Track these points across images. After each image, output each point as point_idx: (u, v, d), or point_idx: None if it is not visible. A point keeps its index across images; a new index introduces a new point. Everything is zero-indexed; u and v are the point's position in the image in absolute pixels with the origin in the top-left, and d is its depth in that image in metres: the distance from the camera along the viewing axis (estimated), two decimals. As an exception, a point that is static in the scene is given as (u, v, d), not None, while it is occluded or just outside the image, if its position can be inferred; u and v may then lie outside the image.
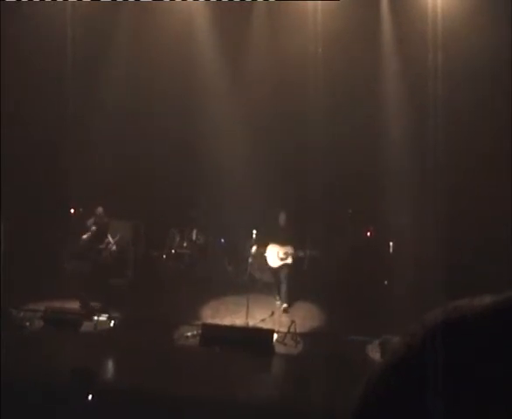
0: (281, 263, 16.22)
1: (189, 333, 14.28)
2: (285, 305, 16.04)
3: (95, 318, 14.81)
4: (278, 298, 16.37)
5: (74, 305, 15.54)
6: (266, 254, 16.24)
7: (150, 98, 18.42)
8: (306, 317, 15.63)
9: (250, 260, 16.01)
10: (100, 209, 16.59)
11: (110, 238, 16.55)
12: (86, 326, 14.69)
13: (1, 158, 16.58)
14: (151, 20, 18.29)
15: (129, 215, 17.80)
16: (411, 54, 17.33)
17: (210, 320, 15.17)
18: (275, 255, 16.24)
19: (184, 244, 18.31)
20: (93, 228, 16.42)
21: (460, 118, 16.88)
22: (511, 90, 15.69)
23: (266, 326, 15.00)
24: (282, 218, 16.44)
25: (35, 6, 17.48)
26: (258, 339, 14.26)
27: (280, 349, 13.96)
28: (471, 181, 16.64)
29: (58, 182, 17.54)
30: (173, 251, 18.16)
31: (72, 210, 18.12)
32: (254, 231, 15.66)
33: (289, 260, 16.19)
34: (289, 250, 16.15)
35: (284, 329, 14.43)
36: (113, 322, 14.87)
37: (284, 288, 16.22)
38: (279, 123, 18.10)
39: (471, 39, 16.20)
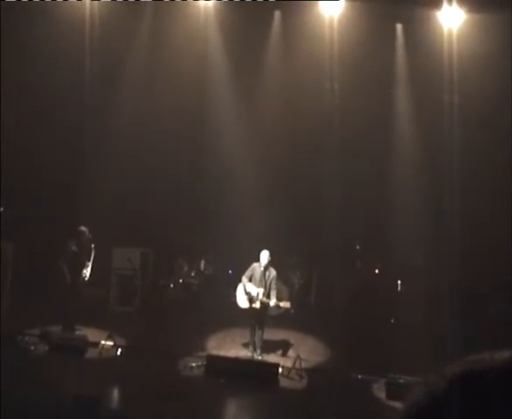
0: (248, 305, 15.00)
1: (193, 364, 14.22)
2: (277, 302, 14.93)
3: (100, 344, 14.77)
4: (250, 343, 15.25)
5: (80, 331, 15.54)
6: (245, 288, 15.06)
7: (161, 123, 18.45)
8: (311, 352, 15.54)
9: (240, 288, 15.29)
10: (81, 229, 15.91)
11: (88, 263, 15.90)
12: (91, 353, 14.64)
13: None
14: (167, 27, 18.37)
15: (139, 242, 17.81)
16: (425, 94, 17.39)
17: (215, 352, 15.10)
18: (250, 294, 14.98)
19: (192, 274, 18.30)
20: (74, 248, 15.84)
21: (474, 159, 16.91)
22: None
23: (272, 359, 14.93)
24: (265, 256, 14.93)
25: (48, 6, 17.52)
26: (263, 372, 14.19)
27: (284, 383, 13.89)
28: (485, 220, 16.62)
29: (68, 205, 17.52)
30: (181, 281, 18.13)
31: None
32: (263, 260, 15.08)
33: (257, 305, 14.85)
34: (262, 294, 14.78)
35: (289, 364, 14.35)
36: (119, 350, 14.80)
37: (258, 333, 15.12)
38: (290, 154, 18.15)
39: (485, 78, 16.25)
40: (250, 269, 14.95)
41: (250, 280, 14.89)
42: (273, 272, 14.90)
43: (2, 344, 12.95)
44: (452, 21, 17.03)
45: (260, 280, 14.81)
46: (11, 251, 16.36)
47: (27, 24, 17.18)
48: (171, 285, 18.09)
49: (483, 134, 16.54)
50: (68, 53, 17.86)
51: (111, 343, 14.85)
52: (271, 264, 14.95)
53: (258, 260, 14.95)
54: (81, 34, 18.21)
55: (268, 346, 15.32)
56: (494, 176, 16.80)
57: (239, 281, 15.11)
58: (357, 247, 18.64)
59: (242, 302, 15.06)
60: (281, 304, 14.99)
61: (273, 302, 14.72)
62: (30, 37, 17.31)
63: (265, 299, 14.75)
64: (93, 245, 15.83)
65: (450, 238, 16.66)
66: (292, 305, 15.77)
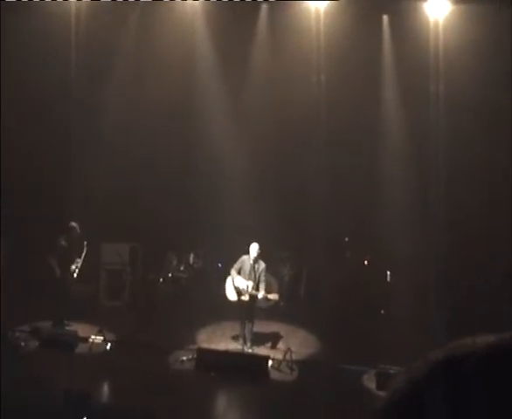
0: (237, 298, 14.99)
1: (184, 358, 14.22)
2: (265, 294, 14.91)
3: (90, 340, 14.75)
4: (240, 336, 15.27)
5: (70, 326, 15.53)
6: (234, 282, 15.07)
7: (151, 118, 18.42)
8: (301, 344, 15.55)
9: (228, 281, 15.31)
10: (72, 224, 15.92)
11: (78, 259, 15.88)
12: (82, 348, 14.62)
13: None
14: (154, 24, 18.34)
15: (128, 237, 17.78)
16: (411, 85, 17.41)
17: (205, 345, 15.10)
18: (239, 287, 14.96)
19: (181, 268, 18.28)
20: (64, 243, 15.83)
21: (461, 149, 16.94)
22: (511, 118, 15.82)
23: (262, 352, 14.94)
24: (254, 249, 14.89)
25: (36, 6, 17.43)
26: (253, 365, 14.21)
27: (274, 376, 13.91)
28: (472, 211, 16.66)
29: (57, 201, 17.48)
30: (170, 275, 18.11)
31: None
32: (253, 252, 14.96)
33: (246, 297, 14.82)
34: (251, 287, 14.76)
35: (280, 356, 14.37)
36: (109, 344, 14.79)
37: (248, 326, 15.13)
38: (279, 148, 18.13)
39: (471, 68, 16.27)
40: (239, 261, 14.93)
41: (239, 273, 14.86)
42: (262, 265, 14.89)
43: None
44: (438, 12, 17.04)
45: (249, 273, 14.79)
46: (1, 247, 16.34)
47: (14, 23, 17.13)
48: (160, 280, 18.06)
49: (470, 124, 16.56)
50: (57, 51, 17.81)
51: (101, 338, 14.84)
52: (260, 256, 14.95)
53: (247, 253, 14.96)
54: (69, 31, 18.15)
55: (259, 339, 15.32)
56: (482, 166, 16.84)
57: (229, 274, 15.10)
58: (346, 239, 18.64)
59: (231, 295, 15.06)
60: (270, 296, 15.00)
61: (261, 294, 14.73)
62: (18, 37, 17.27)
63: (254, 292, 14.75)
64: (85, 242, 15.80)
65: (437, 229, 16.70)
66: (281, 297, 15.78)
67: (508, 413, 1.09)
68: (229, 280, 15.08)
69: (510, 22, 15.74)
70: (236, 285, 14.87)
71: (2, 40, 17.06)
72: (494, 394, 1.10)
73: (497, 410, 1.09)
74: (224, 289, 15.28)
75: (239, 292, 14.90)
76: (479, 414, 1.10)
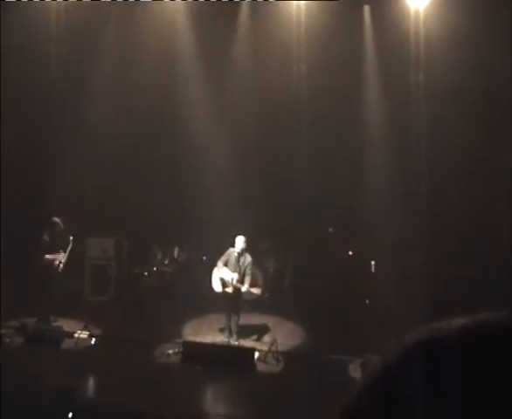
0: (221, 289, 14.99)
1: (170, 351, 14.22)
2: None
3: (76, 335, 14.72)
4: (225, 328, 15.26)
5: (55, 321, 15.50)
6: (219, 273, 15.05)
7: (134, 111, 18.41)
8: (287, 335, 15.58)
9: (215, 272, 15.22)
10: (55, 220, 15.90)
11: (62, 253, 15.75)
12: (67, 343, 14.59)
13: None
14: (137, 23, 18.32)
15: (113, 231, 17.74)
16: (393, 74, 17.46)
17: (191, 338, 15.11)
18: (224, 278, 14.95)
19: (166, 262, 18.27)
20: (46, 238, 15.81)
21: (442, 135, 17.03)
22: (493, 107, 15.93)
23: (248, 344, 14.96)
24: (240, 242, 14.92)
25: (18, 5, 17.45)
26: (239, 357, 14.23)
27: (261, 367, 13.93)
28: (455, 201, 16.76)
29: (41, 196, 17.43)
30: (155, 269, 18.10)
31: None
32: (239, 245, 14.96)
33: (230, 290, 14.85)
34: (236, 279, 14.77)
35: (266, 348, 14.39)
36: (94, 339, 14.77)
37: (234, 319, 15.16)
38: (262, 140, 18.16)
39: (452, 57, 16.34)
40: (226, 254, 14.93)
41: (226, 265, 14.87)
42: (248, 258, 14.89)
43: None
44: (418, 1, 17.09)
45: (235, 266, 14.80)
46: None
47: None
48: (145, 274, 18.05)
49: (450, 113, 16.63)
50: (38, 49, 17.83)
51: (87, 333, 14.82)
52: (246, 249, 14.95)
53: (233, 246, 14.95)
54: (51, 29, 18.15)
55: (244, 331, 15.34)
56: (462, 155, 16.90)
57: (213, 267, 15.11)
58: (330, 230, 18.68)
59: (216, 286, 15.06)
60: (253, 290, 15.01)
61: (244, 288, 14.74)
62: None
63: (238, 285, 14.76)
64: (71, 237, 15.74)
65: (419, 218, 16.77)
66: (265, 290, 15.79)
67: (482, 395, 1.09)
68: (215, 271, 15.06)
69: (490, 10, 15.82)
70: (221, 276, 14.87)
71: None
72: (468, 377, 1.11)
73: (472, 392, 1.10)
74: (209, 282, 15.27)
75: (224, 284, 14.90)
76: (453, 396, 1.10)
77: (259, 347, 14.52)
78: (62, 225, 15.82)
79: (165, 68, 18.48)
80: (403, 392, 1.13)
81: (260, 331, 15.78)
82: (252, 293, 15.17)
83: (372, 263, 17.82)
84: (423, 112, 17.20)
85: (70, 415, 10.32)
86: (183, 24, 18.79)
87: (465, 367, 1.12)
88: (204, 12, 17.88)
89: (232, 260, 14.83)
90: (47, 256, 15.66)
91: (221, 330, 15.41)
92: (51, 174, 17.86)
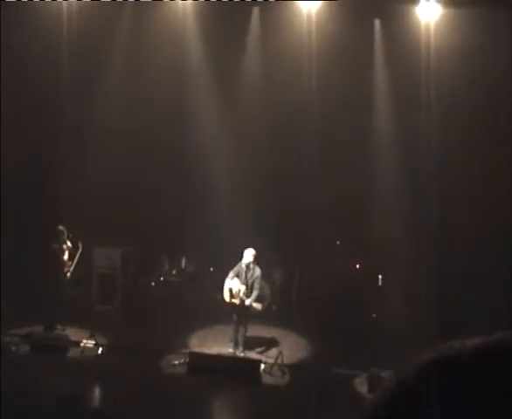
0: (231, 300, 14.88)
1: (176, 362, 14.20)
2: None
3: (82, 344, 14.73)
4: (232, 340, 15.14)
5: (61, 330, 15.50)
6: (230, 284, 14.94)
7: (143, 121, 18.42)
8: (293, 348, 15.55)
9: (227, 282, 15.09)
10: (60, 228, 15.89)
11: (70, 261, 15.84)
12: (73, 352, 14.59)
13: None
14: (148, 25, 18.37)
15: (120, 240, 17.74)
16: (403, 88, 17.48)
17: (197, 349, 15.09)
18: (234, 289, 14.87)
19: (173, 272, 18.27)
20: (54, 246, 15.78)
21: (450, 148, 17.04)
22: (503, 120, 15.93)
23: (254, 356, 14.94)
24: (248, 254, 14.85)
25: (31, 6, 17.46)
26: (245, 369, 14.22)
27: (266, 380, 13.91)
28: (463, 214, 16.72)
29: (50, 204, 17.47)
30: (162, 279, 18.10)
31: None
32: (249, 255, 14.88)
33: (237, 301, 14.79)
34: (244, 292, 14.74)
35: (272, 360, 14.36)
36: (100, 349, 14.76)
37: (241, 330, 15.07)
38: (271, 150, 18.17)
39: (462, 71, 16.36)
40: (237, 265, 14.91)
41: (237, 276, 14.86)
42: (257, 272, 14.83)
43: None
44: (429, 15, 17.13)
45: (244, 279, 14.78)
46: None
47: (7, 24, 17.13)
48: (152, 284, 18.06)
49: (461, 127, 16.66)
50: (48, 51, 17.84)
51: (93, 342, 14.81)
52: (255, 262, 14.92)
53: (241, 257, 14.95)
54: (61, 31, 18.17)
55: (251, 343, 15.31)
56: (475, 168, 16.88)
57: (221, 278, 15.11)
58: (338, 243, 18.65)
59: (226, 296, 14.98)
60: (254, 305, 14.93)
61: (248, 301, 14.72)
62: (9, 37, 17.29)
63: (243, 297, 14.74)
64: (80, 243, 15.79)
65: (428, 232, 16.78)
66: (272, 302, 15.74)
67: (494, 414, 1.10)
68: (226, 281, 15.02)
69: (502, 25, 15.85)
70: (230, 286, 14.85)
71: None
72: (482, 395, 1.11)
73: (484, 411, 1.10)
74: (216, 292, 15.27)
75: (232, 295, 14.88)
76: (467, 414, 1.11)
77: (264, 360, 14.50)
78: (67, 233, 15.86)
79: (174, 74, 18.46)
80: (418, 409, 1.14)
81: (266, 343, 15.74)
82: (254, 308, 15.12)
83: (380, 277, 17.79)
84: (433, 125, 17.20)
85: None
86: (194, 26, 18.76)
87: (479, 385, 1.12)
88: (214, 17, 17.90)
89: (242, 273, 14.83)
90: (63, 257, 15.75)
91: (227, 342, 15.29)
92: (60, 181, 17.90)
